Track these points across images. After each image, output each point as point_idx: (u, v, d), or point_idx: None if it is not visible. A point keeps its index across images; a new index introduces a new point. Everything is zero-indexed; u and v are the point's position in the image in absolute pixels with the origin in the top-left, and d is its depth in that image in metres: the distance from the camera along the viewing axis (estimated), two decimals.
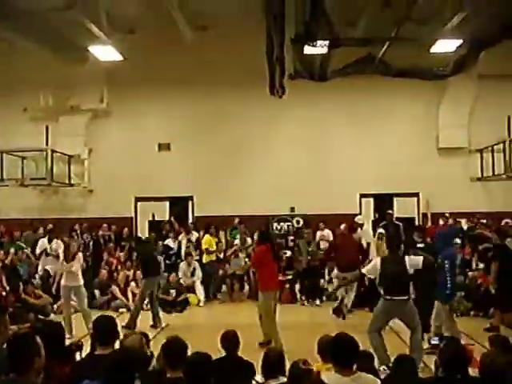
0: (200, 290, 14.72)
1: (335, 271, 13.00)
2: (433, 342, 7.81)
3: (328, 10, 10.72)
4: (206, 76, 17.06)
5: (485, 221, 15.78)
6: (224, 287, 15.51)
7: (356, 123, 17.80)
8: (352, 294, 12.32)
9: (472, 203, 17.04)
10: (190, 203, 18.48)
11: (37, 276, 14.22)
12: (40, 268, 14.50)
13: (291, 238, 16.58)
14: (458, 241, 14.43)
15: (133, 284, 14.12)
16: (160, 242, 16.01)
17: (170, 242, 16.00)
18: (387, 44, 13.43)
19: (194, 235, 15.95)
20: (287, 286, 14.67)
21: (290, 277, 14.83)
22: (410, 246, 10.37)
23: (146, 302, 12.17)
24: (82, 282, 11.19)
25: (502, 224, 13.88)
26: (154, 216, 17.81)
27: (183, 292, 14.31)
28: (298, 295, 14.67)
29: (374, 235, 14.74)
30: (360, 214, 17.32)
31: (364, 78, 14.74)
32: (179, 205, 18.44)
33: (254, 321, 10.41)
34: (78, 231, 16.66)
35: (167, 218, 17.70)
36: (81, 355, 5.50)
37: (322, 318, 11.49)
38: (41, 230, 16.57)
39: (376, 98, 17.41)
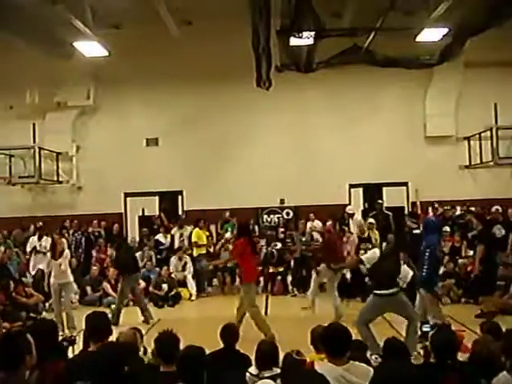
0: (192, 284, 14.73)
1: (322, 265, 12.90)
2: (424, 330, 7.84)
3: (313, 1, 10.73)
4: (192, 70, 17.00)
5: (473, 208, 15.90)
6: (215, 281, 15.52)
7: (343, 114, 17.80)
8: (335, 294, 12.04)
9: (460, 191, 17.11)
10: (180, 197, 18.46)
11: (28, 275, 14.17)
12: (32, 265, 14.43)
13: (281, 229, 16.61)
14: (447, 229, 14.63)
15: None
16: (151, 237, 16.05)
17: (160, 236, 16.01)
18: (373, 34, 13.45)
19: (188, 229, 15.93)
20: (279, 277, 14.72)
21: (281, 269, 14.89)
22: (404, 232, 10.43)
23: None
24: (71, 278, 11.16)
25: (492, 211, 13.96)
26: (143, 211, 17.80)
27: (175, 286, 14.32)
28: (290, 287, 14.72)
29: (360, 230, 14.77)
30: (350, 204, 17.39)
31: (350, 68, 14.73)
32: (169, 199, 18.42)
33: (246, 313, 10.42)
34: (70, 229, 16.61)
35: (157, 213, 17.69)
36: (73, 350, 5.49)
37: (314, 309, 11.51)
38: (31, 229, 16.52)
39: (363, 88, 17.43)
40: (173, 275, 14.69)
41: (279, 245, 15.48)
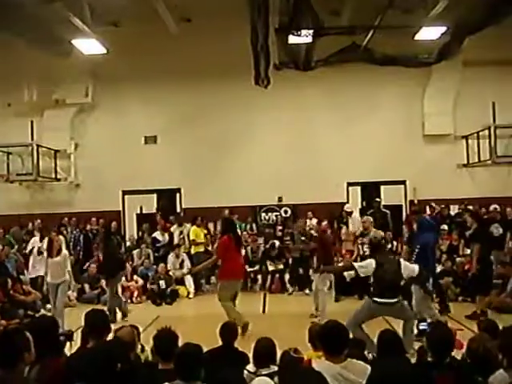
0: (189, 281, 14.72)
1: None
2: (421, 328, 7.85)
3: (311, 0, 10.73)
4: (190, 68, 16.98)
5: (471, 207, 15.93)
6: (213, 278, 15.52)
7: (341, 112, 17.81)
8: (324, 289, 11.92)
9: (458, 190, 17.15)
10: (178, 195, 18.47)
11: (26, 272, 14.11)
12: (31, 265, 14.16)
13: (279, 227, 16.63)
14: (445, 227, 14.65)
15: (122, 278, 14.09)
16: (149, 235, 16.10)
17: (157, 234, 16.02)
18: (371, 32, 13.45)
19: (187, 227, 15.93)
20: (277, 275, 14.74)
21: (280, 266, 14.90)
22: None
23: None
24: (67, 277, 11.09)
25: (490, 210, 13.97)
26: (141, 209, 17.81)
27: (172, 283, 14.34)
28: (288, 285, 14.71)
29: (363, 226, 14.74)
30: (348, 202, 17.40)
31: (349, 66, 14.77)
32: (167, 197, 18.42)
33: (244, 311, 10.44)
34: (68, 226, 16.60)
35: (155, 211, 17.71)
36: (71, 345, 5.49)
37: (312, 306, 11.50)
38: (30, 226, 16.51)
39: (361, 87, 17.43)
40: (170, 273, 14.69)
41: (277, 243, 15.46)
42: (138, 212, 18.38)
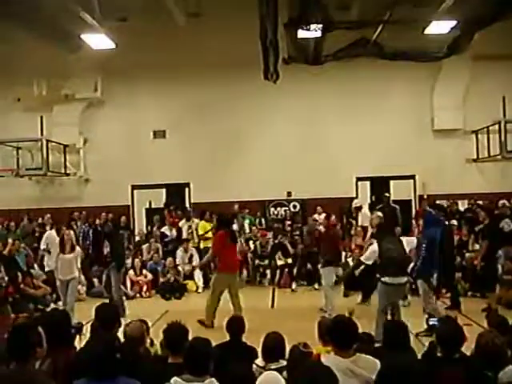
0: (198, 276, 14.74)
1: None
2: (431, 323, 7.85)
3: None
4: (199, 62, 16.96)
5: (481, 202, 15.87)
6: None
7: (351, 107, 17.75)
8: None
9: (468, 185, 17.09)
10: (187, 190, 18.49)
11: (36, 266, 14.17)
12: (46, 262, 13.93)
13: (288, 222, 16.62)
14: (454, 222, 14.60)
15: (131, 272, 14.15)
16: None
17: (166, 229, 16.07)
18: (381, 27, 13.42)
19: (195, 222, 15.96)
20: (286, 270, 14.73)
21: (289, 261, 14.87)
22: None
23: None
24: (77, 274, 11.08)
25: (499, 205, 13.92)
26: (150, 204, 17.84)
27: (180, 278, 14.38)
28: (293, 283, 14.60)
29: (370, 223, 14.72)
30: (357, 197, 17.40)
31: (358, 61, 14.73)
32: (176, 192, 18.44)
33: (253, 306, 10.47)
34: (78, 221, 16.65)
35: (163, 206, 17.74)
36: (80, 338, 5.53)
37: (320, 301, 11.50)
38: (39, 220, 16.58)
39: (370, 81, 17.36)
40: (179, 267, 14.72)
41: (285, 238, 15.45)
42: (147, 207, 18.42)
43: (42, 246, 14.22)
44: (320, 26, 11.94)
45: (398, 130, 17.66)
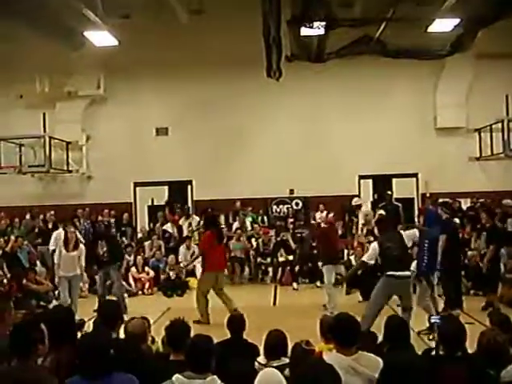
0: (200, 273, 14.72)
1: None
2: (432, 321, 7.85)
3: None
4: (202, 60, 16.95)
5: (482, 200, 15.84)
6: (225, 271, 15.54)
7: (353, 105, 17.73)
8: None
9: (470, 183, 17.07)
10: (189, 187, 18.49)
11: (38, 263, 14.18)
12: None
13: (291, 220, 16.62)
14: (457, 221, 14.56)
15: (133, 269, 14.16)
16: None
17: (168, 226, 16.08)
18: (384, 24, 13.38)
19: (195, 219, 15.97)
20: (288, 268, 14.70)
21: (290, 257, 14.81)
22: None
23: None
24: (79, 271, 11.09)
25: (503, 204, 13.89)
26: (153, 201, 17.85)
27: (183, 275, 14.39)
28: (294, 283, 14.56)
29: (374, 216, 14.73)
30: (359, 195, 17.39)
31: (361, 58, 14.72)
32: (178, 189, 18.45)
33: (255, 303, 10.46)
34: (81, 218, 16.65)
35: (164, 204, 17.77)
36: (82, 334, 5.53)
37: (322, 299, 11.50)
38: (41, 217, 16.60)
39: (373, 79, 17.34)
40: (181, 264, 14.72)
41: (288, 235, 15.43)
42: (150, 204, 18.43)
43: (52, 247, 13.59)
44: (323, 23, 11.92)
45: (400, 128, 17.64)
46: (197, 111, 17.83)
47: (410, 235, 8.81)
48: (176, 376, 4.07)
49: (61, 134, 17.58)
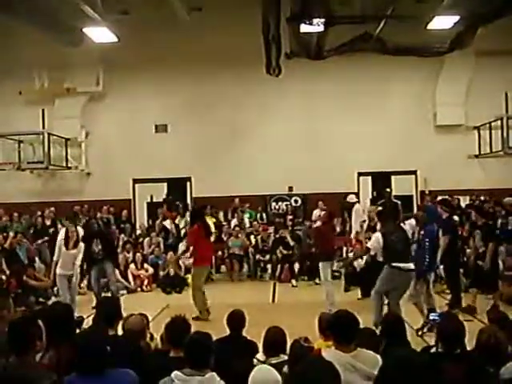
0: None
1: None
2: (431, 318, 7.87)
3: None
4: (201, 56, 16.94)
5: (483, 197, 15.85)
6: (223, 267, 15.56)
7: (353, 102, 17.73)
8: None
9: (469, 180, 17.07)
10: (188, 184, 18.49)
11: (37, 259, 14.17)
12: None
13: (290, 217, 16.60)
14: (456, 218, 14.55)
15: (132, 266, 14.15)
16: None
17: (167, 222, 16.08)
18: (383, 22, 13.38)
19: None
20: (286, 265, 14.68)
21: (289, 252, 14.74)
22: None
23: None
24: (78, 270, 11.06)
25: (505, 201, 13.90)
26: (152, 198, 17.84)
27: (181, 272, 14.39)
28: (293, 280, 14.53)
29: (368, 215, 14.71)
30: (358, 192, 17.42)
31: (361, 56, 14.72)
32: (177, 186, 18.44)
33: (254, 300, 10.46)
34: (80, 214, 16.62)
35: (162, 201, 17.76)
36: (80, 331, 5.54)
37: (322, 296, 11.50)
38: (38, 213, 16.57)
39: (373, 77, 17.34)
40: (180, 261, 14.70)
41: (286, 232, 15.42)
42: (149, 201, 18.43)
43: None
44: (322, 20, 11.92)
45: (399, 125, 17.64)
46: (196, 108, 17.82)
47: (409, 224, 9.01)
48: (175, 373, 4.07)
49: (60, 130, 17.56)
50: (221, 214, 16.84)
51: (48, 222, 15.66)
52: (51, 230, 15.26)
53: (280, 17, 11.68)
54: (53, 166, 17.40)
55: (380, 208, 14.42)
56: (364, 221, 14.59)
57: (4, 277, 11.44)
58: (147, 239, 15.68)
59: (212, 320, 10.06)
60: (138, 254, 14.51)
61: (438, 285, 11.98)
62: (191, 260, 14.35)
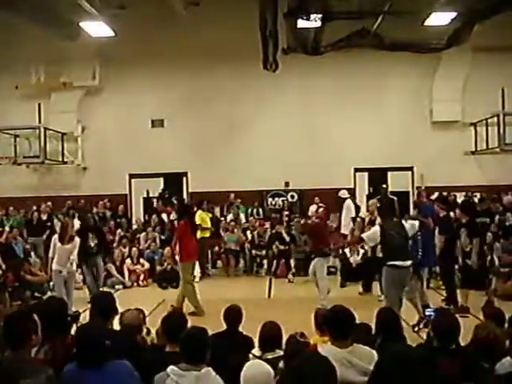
0: (195, 265, 14.71)
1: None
2: (427, 313, 7.88)
3: None
4: (198, 51, 16.91)
5: (478, 194, 15.88)
6: (219, 263, 15.56)
7: (350, 98, 17.73)
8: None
9: (466, 177, 17.11)
10: (185, 179, 18.48)
11: (33, 254, 14.16)
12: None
13: (286, 212, 16.60)
14: (452, 215, 14.55)
15: (128, 261, 14.13)
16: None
17: (164, 217, 16.08)
18: (381, 17, 13.36)
19: None
20: (282, 260, 14.67)
21: (285, 247, 14.73)
22: None
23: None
24: (74, 266, 10.98)
25: (504, 201, 13.94)
26: (148, 193, 17.82)
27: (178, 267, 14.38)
28: (290, 275, 14.53)
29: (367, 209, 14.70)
30: (354, 188, 17.43)
31: (358, 51, 14.69)
32: (173, 181, 18.44)
33: (250, 296, 10.45)
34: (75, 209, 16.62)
35: (157, 196, 17.78)
36: (77, 326, 5.53)
37: (317, 291, 11.50)
38: (34, 208, 16.54)
39: (370, 72, 17.33)
40: (176, 257, 14.68)
41: (282, 228, 15.42)
42: (145, 196, 18.41)
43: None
44: (320, 15, 11.89)
45: (396, 121, 17.65)
46: (193, 103, 17.80)
47: (411, 227, 8.83)
48: (171, 367, 4.08)
49: (56, 124, 17.53)
50: (217, 210, 16.84)
51: (44, 217, 15.63)
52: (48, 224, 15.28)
53: (277, 12, 11.66)
54: (49, 161, 17.38)
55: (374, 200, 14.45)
56: (354, 217, 14.56)
57: (0, 271, 11.43)
58: (143, 234, 15.66)
59: (208, 315, 10.05)
60: (134, 249, 14.47)
61: (433, 281, 12.02)
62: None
